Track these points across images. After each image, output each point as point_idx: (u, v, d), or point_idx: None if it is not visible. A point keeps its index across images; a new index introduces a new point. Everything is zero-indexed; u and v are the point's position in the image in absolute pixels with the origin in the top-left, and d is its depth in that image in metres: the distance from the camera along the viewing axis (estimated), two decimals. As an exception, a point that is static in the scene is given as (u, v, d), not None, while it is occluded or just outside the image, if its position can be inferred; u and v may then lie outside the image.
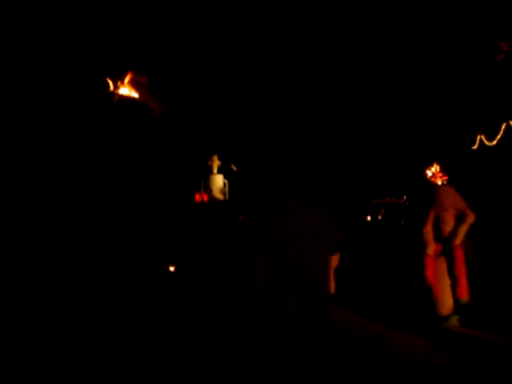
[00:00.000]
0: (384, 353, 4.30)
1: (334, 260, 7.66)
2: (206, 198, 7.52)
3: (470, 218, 5.07)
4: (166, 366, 4.06)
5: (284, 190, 2.99)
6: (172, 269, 6.53)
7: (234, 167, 7.63)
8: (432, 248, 5.19)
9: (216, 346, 4.11)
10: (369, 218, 7.46)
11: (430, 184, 5.37)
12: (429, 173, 5.27)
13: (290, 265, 2.75)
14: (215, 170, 7.76)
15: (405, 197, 7.53)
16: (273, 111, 10.03)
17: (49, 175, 8.04)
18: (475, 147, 8.54)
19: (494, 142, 8.21)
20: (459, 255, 5.06)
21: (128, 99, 9.26)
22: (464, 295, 4.99)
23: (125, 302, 5.92)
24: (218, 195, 7.57)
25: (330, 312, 2.89)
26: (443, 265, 5.16)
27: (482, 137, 8.41)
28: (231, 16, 9.04)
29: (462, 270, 5.04)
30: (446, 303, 5.05)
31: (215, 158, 7.78)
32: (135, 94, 9.20)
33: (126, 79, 9.15)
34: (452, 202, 5.15)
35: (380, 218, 7.57)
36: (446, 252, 5.14)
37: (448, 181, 5.33)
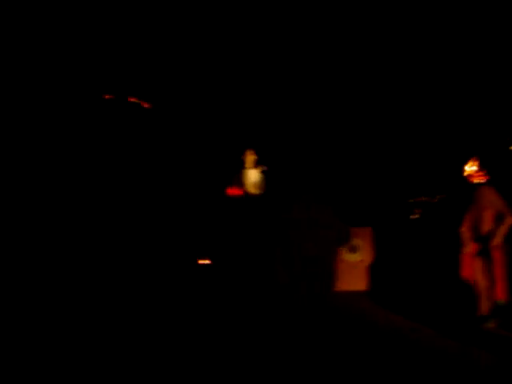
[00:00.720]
0: (415, 350, 4.27)
1: (367, 257, 7.74)
2: (239, 192, 7.58)
3: (510, 220, 4.99)
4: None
5: (300, 190, 3.50)
6: (207, 262, 6.63)
7: (262, 167, 7.66)
8: (469, 247, 5.14)
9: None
10: (405, 216, 7.42)
11: (468, 183, 5.27)
12: (467, 171, 5.18)
13: (302, 256, 3.29)
14: (249, 165, 7.78)
15: (441, 196, 7.43)
16: (304, 106, 9.99)
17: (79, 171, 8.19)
18: (516, 147, 8.35)
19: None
20: (498, 256, 4.98)
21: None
22: (502, 296, 4.91)
23: (160, 294, 6.05)
24: (253, 190, 7.61)
25: (331, 290, 3.49)
26: (481, 265, 5.09)
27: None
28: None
29: (500, 270, 4.96)
30: (484, 304, 4.99)
31: (249, 152, 7.80)
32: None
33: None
34: (491, 201, 5.07)
35: (416, 216, 7.50)
36: (485, 252, 5.07)
37: (488, 181, 5.23)
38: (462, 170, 5.41)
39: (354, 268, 7.09)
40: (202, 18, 9.01)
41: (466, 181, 5.36)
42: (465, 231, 5.18)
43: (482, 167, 5.29)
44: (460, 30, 8.33)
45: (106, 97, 8.29)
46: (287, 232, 3.36)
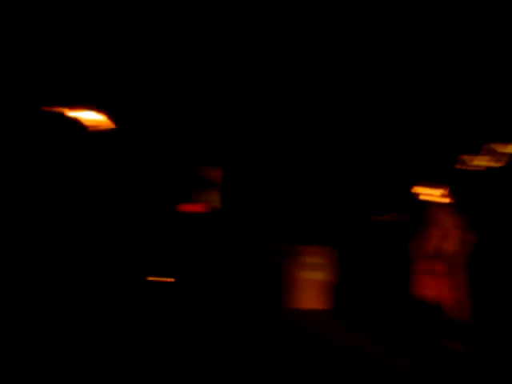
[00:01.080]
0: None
1: (331, 277, 7.70)
2: (198, 208, 7.52)
3: (469, 239, 4.97)
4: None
5: (251, 210, 3.86)
6: (171, 280, 6.49)
7: (218, 186, 7.65)
8: (422, 266, 5.11)
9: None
10: (366, 235, 7.37)
11: (423, 202, 5.28)
12: (427, 192, 5.18)
13: (248, 272, 3.84)
14: (207, 181, 7.76)
15: (401, 214, 7.41)
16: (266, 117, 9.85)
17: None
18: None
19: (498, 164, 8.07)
20: (459, 275, 4.95)
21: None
22: (463, 315, 4.85)
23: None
24: (211, 206, 7.55)
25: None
26: (439, 284, 5.04)
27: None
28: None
29: (462, 290, 4.91)
30: (444, 323, 4.92)
31: (208, 168, 7.82)
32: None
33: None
34: (448, 221, 5.08)
35: (377, 235, 7.46)
36: (445, 271, 5.03)
37: (449, 202, 5.23)
38: (414, 188, 5.41)
39: (315, 286, 6.98)
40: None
41: (417, 200, 5.36)
42: (416, 248, 5.17)
43: (445, 188, 5.30)
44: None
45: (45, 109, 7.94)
46: (232, 250, 4.15)
